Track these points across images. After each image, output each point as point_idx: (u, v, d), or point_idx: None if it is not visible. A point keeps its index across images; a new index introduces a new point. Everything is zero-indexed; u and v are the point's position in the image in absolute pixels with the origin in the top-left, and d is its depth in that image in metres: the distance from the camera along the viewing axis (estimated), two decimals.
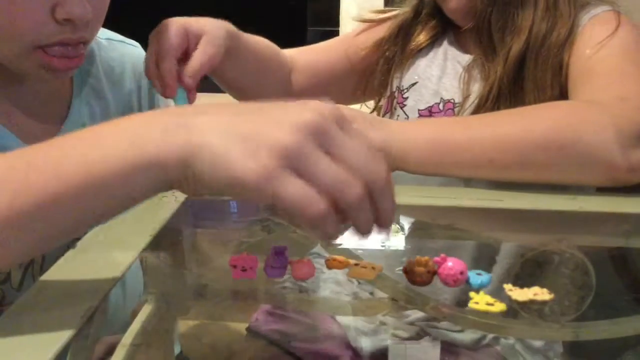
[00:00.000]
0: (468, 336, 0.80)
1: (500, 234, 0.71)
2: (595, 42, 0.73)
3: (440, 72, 0.86)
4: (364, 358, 0.80)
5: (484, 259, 0.71)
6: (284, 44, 0.95)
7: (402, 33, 0.90)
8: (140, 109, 0.88)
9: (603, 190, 0.64)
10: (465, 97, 0.81)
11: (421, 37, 0.89)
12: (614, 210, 0.63)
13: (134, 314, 0.61)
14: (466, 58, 0.84)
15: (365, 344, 0.81)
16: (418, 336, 0.81)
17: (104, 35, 0.86)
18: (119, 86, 0.85)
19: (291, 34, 0.93)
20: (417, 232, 0.71)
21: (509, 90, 0.76)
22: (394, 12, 0.94)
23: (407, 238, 0.74)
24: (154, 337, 0.63)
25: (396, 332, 0.81)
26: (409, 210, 0.67)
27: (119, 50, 0.87)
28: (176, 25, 0.70)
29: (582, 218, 0.63)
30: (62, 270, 0.52)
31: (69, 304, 0.46)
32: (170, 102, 0.96)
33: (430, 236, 0.75)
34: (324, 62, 0.94)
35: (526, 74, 0.76)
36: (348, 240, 0.69)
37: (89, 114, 0.80)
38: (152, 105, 0.90)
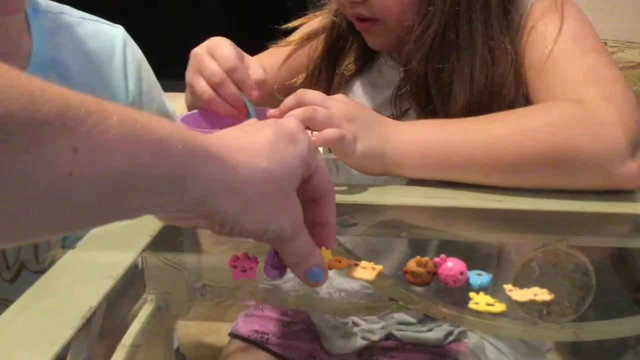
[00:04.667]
0: (436, 334, 0.80)
1: (501, 234, 0.71)
2: (547, 40, 0.70)
3: (375, 89, 0.84)
4: (333, 357, 0.82)
5: (484, 259, 0.71)
6: None
7: (331, 58, 0.86)
8: (126, 85, 0.92)
9: (603, 190, 0.64)
10: (404, 112, 0.79)
11: (351, 64, 0.84)
12: (614, 210, 0.63)
13: (133, 315, 0.61)
14: (399, 70, 0.79)
15: (336, 345, 0.82)
16: (387, 338, 0.82)
17: (77, 14, 0.91)
18: (91, 61, 0.89)
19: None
20: (417, 232, 0.71)
21: None
22: (310, 30, 0.87)
23: (407, 238, 0.74)
24: (154, 337, 0.63)
25: (365, 335, 0.82)
26: (409, 210, 0.67)
27: (94, 28, 0.91)
28: (227, 41, 0.70)
29: (582, 218, 0.63)
30: (63, 270, 0.52)
31: (69, 304, 0.46)
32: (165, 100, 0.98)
33: (430, 236, 0.75)
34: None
35: None
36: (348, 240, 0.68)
37: (42, 76, 0.82)
38: (139, 84, 0.93)
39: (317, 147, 0.63)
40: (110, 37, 0.91)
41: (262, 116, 0.73)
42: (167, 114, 1.00)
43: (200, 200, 0.35)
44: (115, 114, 0.30)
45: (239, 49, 0.70)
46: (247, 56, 0.71)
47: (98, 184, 0.29)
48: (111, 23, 0.94)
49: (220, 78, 0.67)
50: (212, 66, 0.68)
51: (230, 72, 0.67)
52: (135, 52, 0.94)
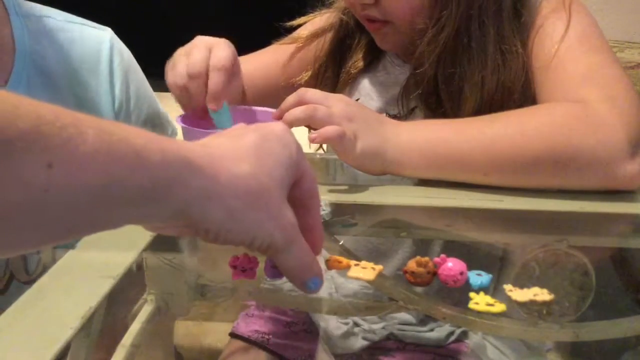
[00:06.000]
0: (437, 334, 0.80)
1: (500, 235, 0.71)
2: (554, 39, 0.69)
3: (382, 87, 0.83)
4: (334, 357, 0.82)
5: (484, 259, 0.71)
6: None
7: (338, 56, 0.85)
8: (112, 90, 0.89)
9: (603, 190, 0.64)
10: (411, 110, 0.78)
11: (358, 62, 0.84)
12: (614, 210, 0.63)
13: (133, 315, 0.61)
14: (406, 68, 0.80)
15: (337, 345, 0.82)
16: (388, 338, 0.82)
17: (62, 17, 0.87)
18: (75, 67, 0.86)
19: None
20: (417, 232, 0.71)
21: None
22: (318, 28, 0.86)
23: (407, 239, 0.73)
24: (154, 338, 0.63)
25: (366, 336, 0.82)
26: (409, 210, 0.67)
27: (79, 32, 0.88)
28: (231, 47, 0.68)
29: (582, 218, 0.63)
30: (62, 270, 0.52)
31: (69, 304, 0.46)
32: (153, 99, 0.97)
33: (430, 236, 0.75)
34: (261, 78, 0.86)
35: None
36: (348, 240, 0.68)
37: (26, 87, 0.81)
38: (126, 89, 0.91)
39: (304, 152, 0.63)
40: (96, 41, 0.88)
41: (267, 117, 0.73)
42: (158, 117, 0.98)
43: (181, 210, 0.34)
44: (91, 127, 0.29)
45: (236, 60, 0.69)
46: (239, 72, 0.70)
47: (74, 199, 0.29)
48: (98, 25, 0.90)
49: (198, 71, 0.65)
50: (199, 57, 0.66)
51: (210, 71, 0.65)
52: (123, 56, 0.91)
